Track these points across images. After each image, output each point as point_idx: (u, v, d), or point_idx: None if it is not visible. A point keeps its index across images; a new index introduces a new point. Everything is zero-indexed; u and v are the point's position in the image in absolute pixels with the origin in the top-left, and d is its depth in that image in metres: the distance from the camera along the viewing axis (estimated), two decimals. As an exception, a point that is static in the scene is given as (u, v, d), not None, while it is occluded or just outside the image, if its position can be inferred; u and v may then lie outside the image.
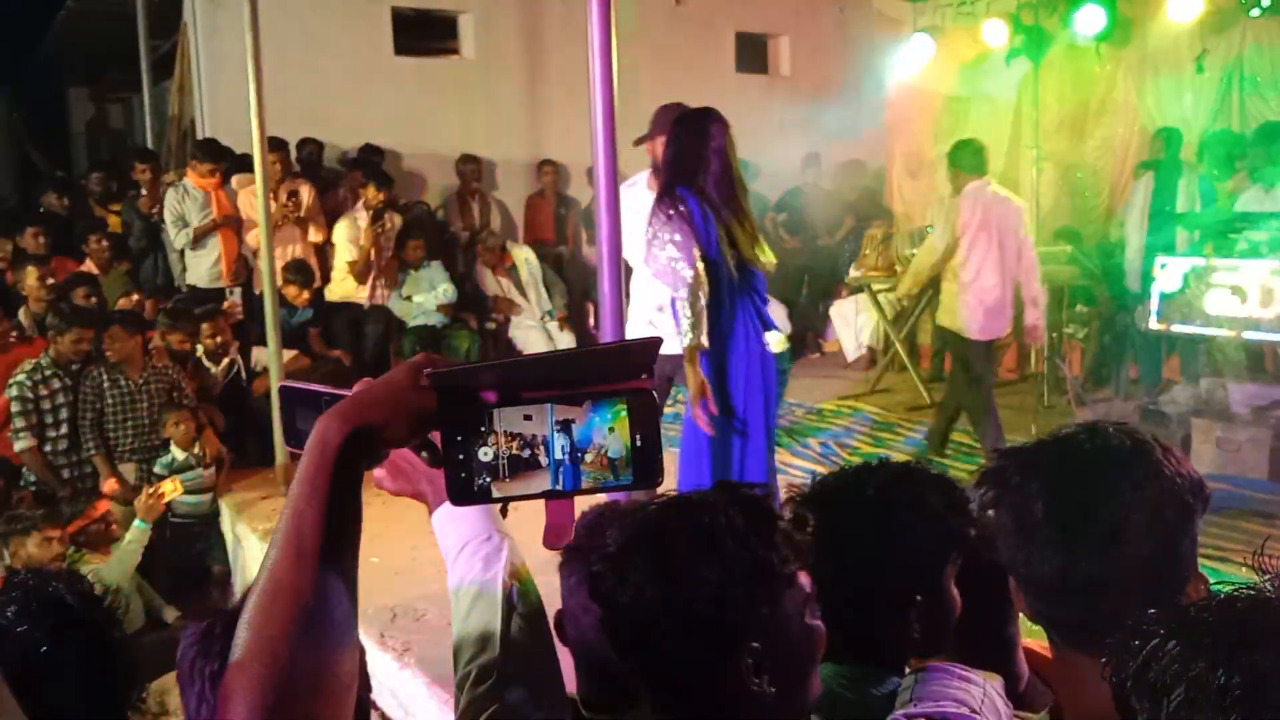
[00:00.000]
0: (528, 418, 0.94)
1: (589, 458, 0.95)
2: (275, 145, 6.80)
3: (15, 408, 5.33)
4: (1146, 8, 7.40)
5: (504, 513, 1.17)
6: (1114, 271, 7.49)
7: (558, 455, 0.95)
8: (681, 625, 1.21)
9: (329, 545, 0.88)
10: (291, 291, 6.95)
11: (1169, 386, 6.68)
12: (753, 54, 10.48)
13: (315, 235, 7.43)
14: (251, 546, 5.28)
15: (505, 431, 0.94)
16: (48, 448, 5.46)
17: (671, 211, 3.85)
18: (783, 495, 1.63)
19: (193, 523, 5.50)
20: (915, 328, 8.38)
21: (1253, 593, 0.89)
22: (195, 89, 8.28)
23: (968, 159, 5.89)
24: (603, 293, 3.39)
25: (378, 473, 1.12)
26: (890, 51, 9.24)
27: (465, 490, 0.95)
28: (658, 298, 4.47)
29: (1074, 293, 7.49)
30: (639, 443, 0.95)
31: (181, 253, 7.09)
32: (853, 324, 8.82)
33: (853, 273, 8.37)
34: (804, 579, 1.28)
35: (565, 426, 0.95)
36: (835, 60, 10.05)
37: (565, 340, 7.93)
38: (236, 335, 6.53)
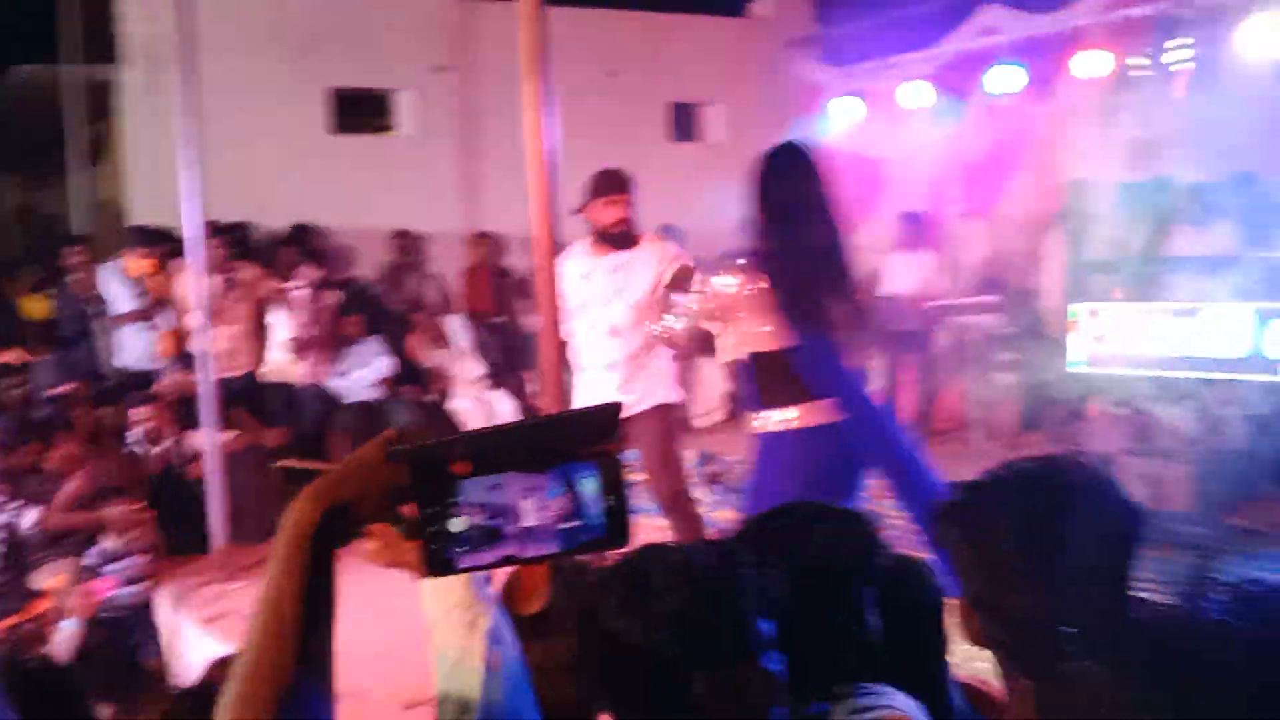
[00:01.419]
0: (496, 486, 0.97)
1: (559, 523, 0.97)
2: (215, 230, 6.78)
3: None
4: (1059, 65, 7.72)
5: (489, 577, 1.20)
6: (1037, 319, 7.71)
7: (527, 522, 0.97)
8: (643, 654, 1.28)
9: (307, 625, 0.90)
10: None
11: (1094, 425, 6.85)
12: (685, 122, 10.71)
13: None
14: (188, 635, 5.15)
15: (474, 502, 0.96)
16: None
17: None
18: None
19: (126, 615, 5.33)
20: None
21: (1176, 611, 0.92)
22: (129, 174, 8.25)
23: None
24: (541, 361, 3.44)
25: (368, 546, 1.15)
26: (817, 115, 9.51)
27: (439, 562, 0.97)
28: (609, 356, 4.53)
29: (1001, 341, 7.69)
30: (610, 504, 0.98)
31: (111, 336, 7.02)
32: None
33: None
34: (764, 625, 1.35)
35: (533, 493, 0.97)
36: (765, 126, 10.29)
37: (505, 408, 7.93)
38: (174, 418, 6.43)
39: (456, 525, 0.96)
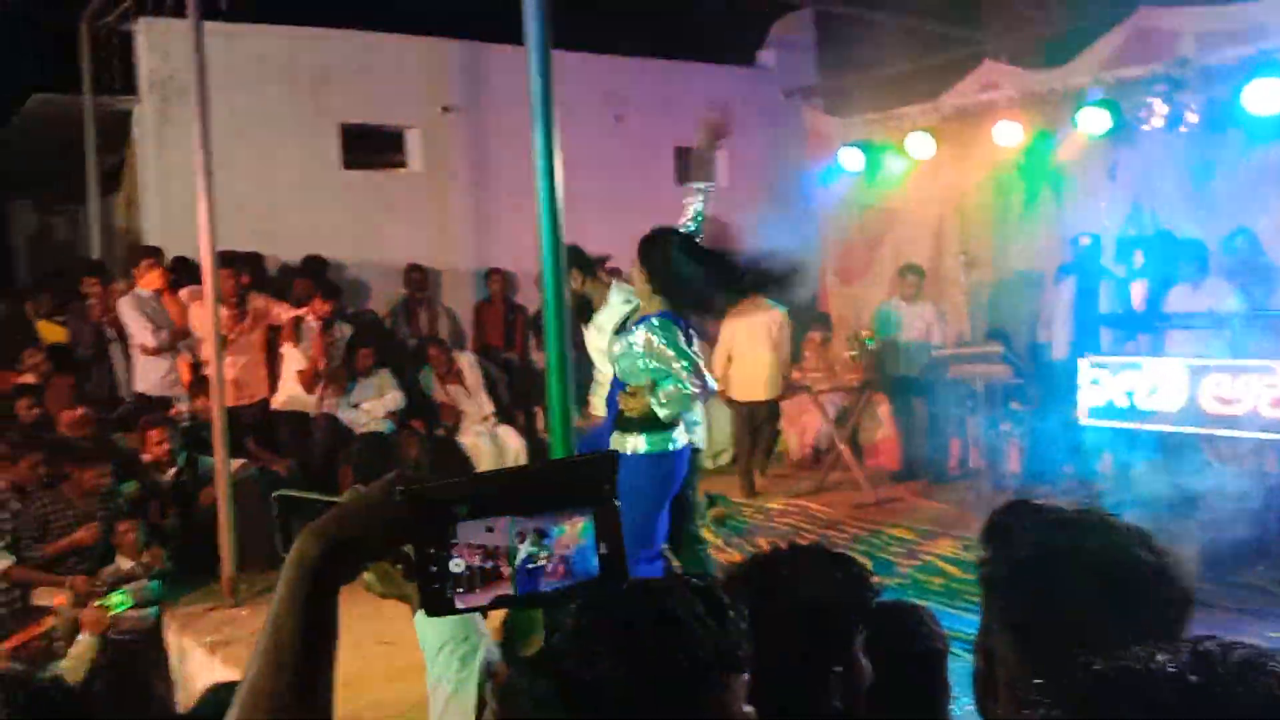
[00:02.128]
0: (494, 529, 1.00)
1: (555, 567, 1.00)
2: (228, 260, 6.88)
3: None
4: (1061, 121, 7.85)
5: (485, 614, 1.24)
6: (1044, 370, 7.77)
7: (523, 565, 1.00)
8: (641, 704, 1.25)
9: (307, 655, 0.93)
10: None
11: (1102, 479, 6.90)
12: (691, 166, 10.83)
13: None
14: (195, 660, 5.17)
15: (470, 543, 0.99)
16: None
17: None
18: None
19: (135, 639, 5.35)
20: (858, 427, 8.56)
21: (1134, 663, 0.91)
22: (143, 202, 8.37)
23: None
24: (551, 396, 3.50)
25: (367, 576, 1.19)
26: (821, 163, 9.65)
27: (439, 601, 1.01)
28: None
29: (1007, 391, 7.74)
30: (604, 551, 1.01)
31: (128, 361, 7.09)
32: (798, 424, 8.99)
33: (794, 375, 8.57)
34: (747, 670, 1.33)
35: (530, 537, 1.00)
36: (771, 172, 10.46)
37: (512, 443, 7.98)
38: (186, 443, 6.48)
39: (455, 566, 0.99)
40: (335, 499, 1.09)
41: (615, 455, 1.07)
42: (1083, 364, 6.55)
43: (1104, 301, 7.55)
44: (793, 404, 8.92)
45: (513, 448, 7.83)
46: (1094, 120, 7.53)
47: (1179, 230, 7.32)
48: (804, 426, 8.93)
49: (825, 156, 9.58)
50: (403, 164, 9.57)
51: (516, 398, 8.63)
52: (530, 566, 1.00)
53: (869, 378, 8.27)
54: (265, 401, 7.46)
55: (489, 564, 0.99)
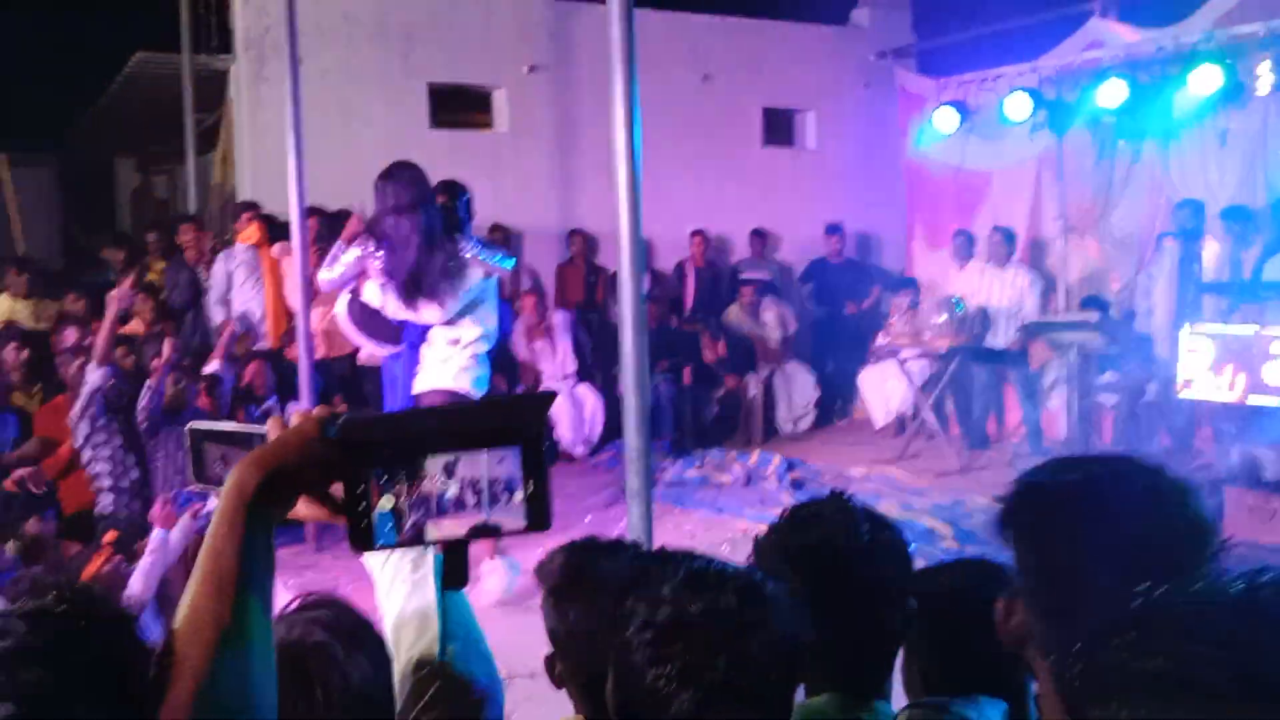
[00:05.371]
0: (423, 467, 1.01)
1: (484, 505, 1.01)
2: (313, 213, 6.98)
3: None
4: (1168, 82, 7.49)
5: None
6: (1142, 339, 7.49)
7: (451, 503, 1.01)
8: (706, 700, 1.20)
9: (245, 578, 0.95)
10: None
11: (1201, 454, 6.65)
12: (780, 128, 10.67)
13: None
14: (277, 601, 5.31)
15: (405, 480, 1.00)
16: None
17: None
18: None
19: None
20: (944, 394, 8.39)
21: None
22: (238, 159, 8.56)
23: None
24: (625, 352, 3.49)
25: (299, 507, 1.17)
26: (913, 125, 9.40)
27: (365, 538, 1.01)
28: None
29: (1102, 361, 7.50)
30: (531, 489, 1.01)
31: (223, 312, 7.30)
32: (881, 391, 8.84)
33: (880, 340, 8.42)
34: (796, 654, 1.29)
35: (462, 475, 1.01)
36: (860, 134, 10.23)
37: (589, 400, 8.00)
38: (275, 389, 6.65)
39: (385, 502, 1.00)
40: (251, 430, 1.11)
41: (549, 395, 1.08)
42: (1183, 333, 6.30)
43: (1207, 270, 7.25)
44: (877, 369, 8.77)
45: (590, 405, 7.86)
46: (1204, 81, 7.18)
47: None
48: (889, 393, 8.77)
49: (918, 118, 9.32)
50: (489, 124, 9.60)
51: (596, 357, 8.66)
52: (460, 504, 1.00)
53: (957, 344, 8.08)
54: (353, 355, 7.60)
55: (418, 501, 1.00)
